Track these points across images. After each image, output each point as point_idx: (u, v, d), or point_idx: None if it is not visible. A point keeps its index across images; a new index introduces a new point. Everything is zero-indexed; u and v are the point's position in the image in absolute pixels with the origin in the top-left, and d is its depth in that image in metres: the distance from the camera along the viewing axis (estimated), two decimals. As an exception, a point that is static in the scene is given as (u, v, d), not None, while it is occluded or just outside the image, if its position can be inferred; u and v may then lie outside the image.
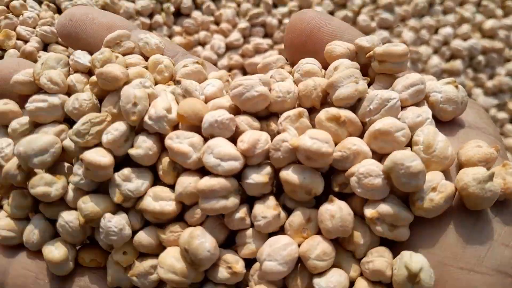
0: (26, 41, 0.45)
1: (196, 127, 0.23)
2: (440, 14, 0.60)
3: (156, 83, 0.27)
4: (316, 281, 0.21)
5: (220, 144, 0.22)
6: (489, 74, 0.62)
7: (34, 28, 0.46)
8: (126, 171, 0.23)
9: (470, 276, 0.20)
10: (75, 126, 0.23)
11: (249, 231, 0.22)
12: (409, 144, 0.22)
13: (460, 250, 0.21)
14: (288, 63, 0.28)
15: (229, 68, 0.56)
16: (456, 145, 0.23)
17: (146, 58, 0.28)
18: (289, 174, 0.21)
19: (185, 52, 0.29)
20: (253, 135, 0.22)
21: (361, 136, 0.23)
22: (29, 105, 0.25)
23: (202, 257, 0.21)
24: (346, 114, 0.22)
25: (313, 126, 0.23)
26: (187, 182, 0.22)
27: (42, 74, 0.25)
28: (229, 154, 0.21)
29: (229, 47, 0.57)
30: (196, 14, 0.57)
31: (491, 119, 0.26)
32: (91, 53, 0.27)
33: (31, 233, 0.24)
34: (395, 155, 0.20)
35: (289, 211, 0.23)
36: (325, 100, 0.24)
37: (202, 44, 0.58)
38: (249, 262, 0.23)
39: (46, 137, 0.24)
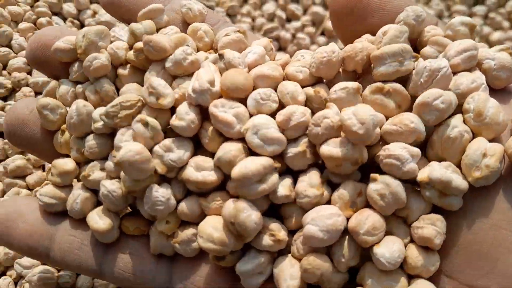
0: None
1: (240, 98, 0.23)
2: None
3: (197, 50, 0.26)
4: (379, 251, 0.20)
5: (265, 125, 0.21)
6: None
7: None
8: (167, 141, 0.23)
9: None
10: (106, 107, 0.23)
11: (294, 205, 0.22)
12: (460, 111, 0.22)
13: None
14: None
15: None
16: (509, 112, 0.22)
17: (187, 26, 0.27)
18: (330, 150, 0.21)
19: (226, 21, 0.29)
20: (289, 108, 0.22)
21: (410, 107, 0.22)
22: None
23: (249, 229, 0.21)
24: (390, 85, 0.22)
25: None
26: (228, 149, 0.22)
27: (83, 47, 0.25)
28: (273, 138, 0.21)
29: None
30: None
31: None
32: (129, 22, 0.27)
33: (74, 202, 0.25)
34: None
35: (333, 186, 0.22)
36: (369, 66, 0.24)
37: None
38: (293, 231, 0.23)
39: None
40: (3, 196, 0.37)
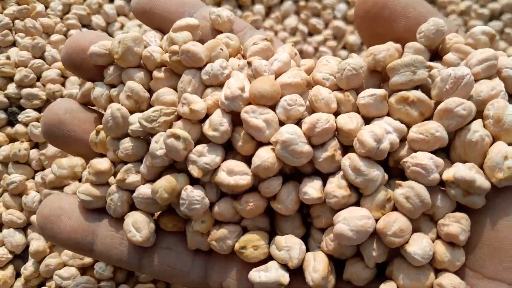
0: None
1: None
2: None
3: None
4: (411, 250, 0.22)
5: (294, 141, 0.23)
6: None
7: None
8: (200, 147, 0.24)
9: None
10: (147, 111, 0.25)
11: (324, 206, 0.24)
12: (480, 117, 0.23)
13: None
14: None
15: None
16: None
17: (217, 32, 0.29)
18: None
19: (253, 28, 0.30)
20: (313, 117, 0.23)
21: (432, 113, 0.23)
22: None
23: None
24: (414, 94, 0.23)
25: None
26: (265, 157, 0.23)
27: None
28: (301, 152, 0.23)
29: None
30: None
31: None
32: (163, 31, 0.29)
33: (111, 202, 0.26)
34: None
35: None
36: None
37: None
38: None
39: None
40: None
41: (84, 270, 0.36)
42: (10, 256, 0.37)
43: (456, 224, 0.22)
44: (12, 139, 0.42)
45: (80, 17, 0.50)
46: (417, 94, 0.23)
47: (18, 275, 0.38)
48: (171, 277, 0.26)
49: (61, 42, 0.47)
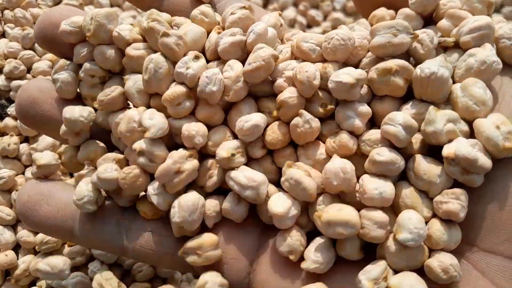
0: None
1: None
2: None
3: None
4: (402, 237, 0.20)
5: None
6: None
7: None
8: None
9: None
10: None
11: None
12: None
13: None
14: None
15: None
16: None
17: (197, 2, 0.28)
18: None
19: None
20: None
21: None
22: None
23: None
24: (394, 63, 0.22)
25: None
26: None
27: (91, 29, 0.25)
28: None
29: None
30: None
31: None
32: (141, 3, 0.28)
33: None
34: None
35: None
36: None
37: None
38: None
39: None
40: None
41: (77, 268, 0.34)
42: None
43: (456, 201, 0.21)
44: (1, 133, 0.41)
45: (72, 7, 0.49)
46: (397, 62, 0.22)
47: (7, 274, 0.36)
48: (154, 260, 0.26)
49: (52, 33, 0.45)
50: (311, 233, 0.23)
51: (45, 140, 0.38)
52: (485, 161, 0.20)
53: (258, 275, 0.24)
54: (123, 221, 0.26)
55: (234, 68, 0.24)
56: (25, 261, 0.35)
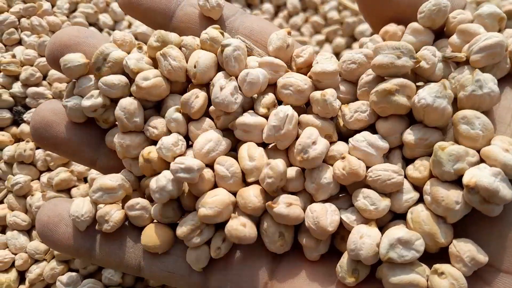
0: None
1: None
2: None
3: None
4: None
5: None
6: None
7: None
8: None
9: None
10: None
11: None
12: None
13: None
14: None
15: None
16: None
17: (207, 20, 0.28)
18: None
19: (244, 12, 0.29)
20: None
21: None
22: None
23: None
24: (393, 83, 0.22)
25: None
26: None
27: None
28: None
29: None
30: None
31: None
32: (152, 23, 0.29)
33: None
34: None
35: None
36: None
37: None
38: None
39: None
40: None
41: (91, 275, 0.35)
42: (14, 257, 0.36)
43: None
44: (17, 139, 0.41)
45: (87, 15, 0.49)
46: (395, 81, 0.22)
47: (22, 279, 0.37)
48: (171, 280, 0.26)
49: (68, 40, 0.46)
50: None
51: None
52: (507, 193, 0.20)
53: None
54: (140, 243, 0.26)
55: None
56: (40, 266, 0.35)
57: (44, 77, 0.43)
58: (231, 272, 0.25)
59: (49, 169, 0.39)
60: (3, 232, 0.38)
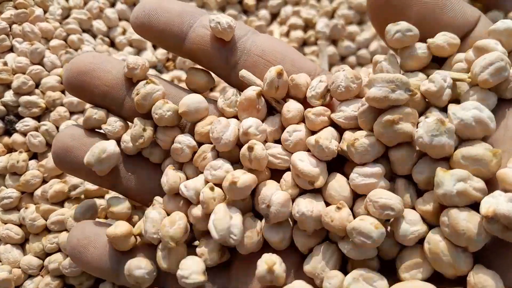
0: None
1: None
2: None
3: None
4: None
5: None
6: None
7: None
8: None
9: None
10: None
11: None
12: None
13: None
14: None
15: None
16: None
17: (219, 41, 0.28)
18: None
19: (255, 32, 0.29)
20: None
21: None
22: None
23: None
24: (396, 112, 0.22)
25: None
26: None
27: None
28: None
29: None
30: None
31: None
32: (164, 43, 0.29)
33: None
34: None
35: None
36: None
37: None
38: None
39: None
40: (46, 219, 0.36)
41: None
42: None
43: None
44: (9, 149, 0.40)
45: (81, 21, 0.48)
46: (399, 110, 0.22)
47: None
48: None
49: (61, 47, 0.45)
50: None
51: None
52: None
53: None
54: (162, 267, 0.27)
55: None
56: (34, 281, 0.34)
57: (37, 85, 0.42)
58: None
59: (43, 181, 0.38)
60: (-4, 246, 0.37)
